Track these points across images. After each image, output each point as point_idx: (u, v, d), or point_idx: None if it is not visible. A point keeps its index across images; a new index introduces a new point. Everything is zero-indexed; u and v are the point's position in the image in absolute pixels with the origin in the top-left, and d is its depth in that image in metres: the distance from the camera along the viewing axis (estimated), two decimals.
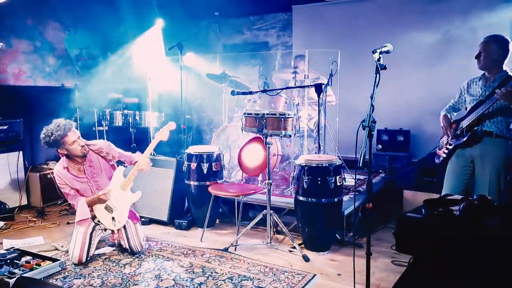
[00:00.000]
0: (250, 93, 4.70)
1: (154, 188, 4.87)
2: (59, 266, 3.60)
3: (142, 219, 4.57)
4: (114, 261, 3.85)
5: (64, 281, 3.43)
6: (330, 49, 5.41)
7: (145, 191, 4.04)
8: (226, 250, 4.06)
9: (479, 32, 5.25)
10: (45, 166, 5.88)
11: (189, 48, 6.44)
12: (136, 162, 4.05)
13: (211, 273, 3.57)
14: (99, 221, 3.92)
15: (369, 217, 2.73)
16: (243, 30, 8.16)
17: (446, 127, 3.78)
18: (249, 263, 3.76)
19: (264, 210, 4.12)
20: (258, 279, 3.45)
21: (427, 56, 6.26)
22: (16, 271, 3.40)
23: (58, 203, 5.69)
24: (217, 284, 3.36)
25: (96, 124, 6.10)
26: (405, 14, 6.41)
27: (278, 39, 7.84)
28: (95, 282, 3.42)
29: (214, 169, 4.70)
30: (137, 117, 6.09)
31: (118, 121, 6.04)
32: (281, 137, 4.30)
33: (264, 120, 4.00)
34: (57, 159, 6.07)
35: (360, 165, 2.49)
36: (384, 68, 2.68)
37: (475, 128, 3.50)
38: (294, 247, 4.03)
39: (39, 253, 3.85)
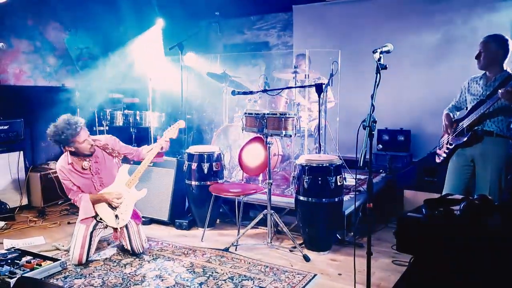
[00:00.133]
0: (251, 93, 4.70)
1: (155, 188, 4.87)
2: (60, 266, 3.60)
3: (143, 219, 4.56)
4: (115, 261, 3.85)
5: (65, 281, 3.43)
6: (330, 49, 5.41)
7: (146, 189, 4.03)
8: (226, 250, 4.06)
9: (480, 31, 5.25)
10: (46, 166, 5.88)
11: (190, 48, 6.44)
12: (145, 156, 4.07)
13: (212, 273, 3.57)
14: (101, 219, 3.87)
15: (370, 217, 2.73)
16: (243, 30, 8.16)
17: (447, 126, 3.77)
18: (249, 263, 3.76)
19: (265, 210, 4.12)
20: (259, 279, 3.45)
21: (427, 56, 6.26)
22: (16, 271, 3.40)
23: (59, 203, 5.69)
24: (217, 284, 3.36)
25: (97, 124, 6.10)
26: (405, 14, 6.41)
27: (278, 39, 7.85)
28: (96, 282, 3.42)
29: (214, 169, 4.70)
30: (137, 117, 6.10)
31: (119, 121, 6.04)
32: (282, 137, 4.30)
33: (265, 120, 4.00)
34: (57, 159, 6.08)
35: (361, 165, 2.49)
36: (385, 68, 2.68)
37: (476, 127, 3.50)
38: (295, 247, 4.03)
39: (40, 253, 3.85)
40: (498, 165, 3.44)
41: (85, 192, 3.88)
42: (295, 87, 4.98)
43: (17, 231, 4.73)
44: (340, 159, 4.18)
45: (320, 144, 4.62)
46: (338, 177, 3.98)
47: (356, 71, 6.18)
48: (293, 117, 4.02)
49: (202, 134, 7.21)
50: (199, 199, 4.68)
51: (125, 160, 4.19)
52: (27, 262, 3.57)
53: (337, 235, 4.24)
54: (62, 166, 3.85)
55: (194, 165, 4.66)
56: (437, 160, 3.90)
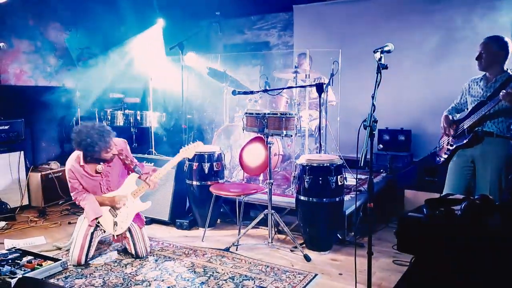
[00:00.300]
0: (251, 92, 4.70)
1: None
2: (61, 266, 3.60)
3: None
4: (116, 261, 3.85)
5: (65, 281, 3.43)
6: (331, 49, 5.41)
7: (146, 191, 4.03)
8: (227, 249, 4.06)
9: (480, 31, 5.24)
10: (46, 166, 5.89)
11: (190, 48, 6.44)
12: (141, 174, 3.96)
13: (213, 272, 3.57)
14: (99, 223, 3.87)
15: (370, 217, 2.73)
16: (244, 30, 8.16)
17: (446, 128, 3.78)
18: (250, 263, 3.76)
19: (266, 210, 4.12)
20: (260, 278, 3.45)
21: (428, 56, 6.26)
22: (17, 271, 3.40)
23: (60, 203, 5.69)
24: (218, 284, 3.36)
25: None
26: (406, 14, 6.40)
27: (279, 39, 7.84)
28: (97, 282, 3.42)
29: (215, 168, 4.70)
30: (138, 117, 6.10)
31: (119, 121, 6.04)
32: (282, 136, 4.30)
33: (265, 120, 4.00)
34: (58, 159, 6.11)
35: (361, 165, 2.49)
36: (385, 67, 2.67)
37: (476, 128, 3.50)
38: (296, 247, 4.03)
39: (41, 253, 3.85)
40: (498, 165, 3.44)
41: (90, 193, 3.84)
42: (296, 87, 4.98)
43: (17, 231, 4.74)
44: (341, 159, 4.19)
45: (320, 144, 4.62)
46: (338, 177, 3.98)
47: (357, 71, 6.18)
48: (293, 117, 4.02)
49: (203, 134, 7.21)
50: (199, 199, 4.68)
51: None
52: (28, 262, 3.57)
53: (338, 235, 4.25)
54: (72, 166, 3.76)
55: (194, 165, 4.65)
56: (438, 161, 3.90)
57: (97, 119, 6.10)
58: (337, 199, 4.00)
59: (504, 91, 3.20)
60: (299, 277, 3.48)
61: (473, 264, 2.27)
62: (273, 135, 4.10)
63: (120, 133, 6.04)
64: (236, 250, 4.08)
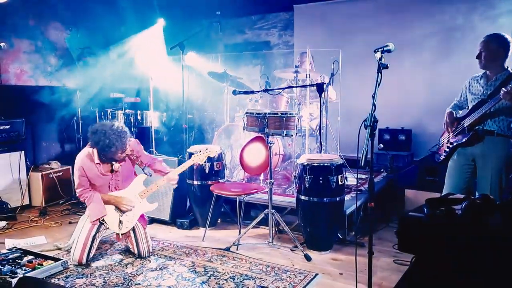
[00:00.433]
0: (252, 92, 4.70)
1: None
2: (61, 265, 3.60)
3: None
4: (116, 261, 3.85)
5: (66, 281, 3.43)
6: (331, 48, 5.41)
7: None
8: (228, 249, 4.06)
9: (481, 30, 5.24)
10: (47, 166, 5.89)
11: (191, 48, 6.44)
12: (156, 168, 4.02)
13: (213, 272, 3.57)
14: (104, 221, 3.84)
15: (371, 216, 2.73)
16: (244, 30, 8.16)
17: (448, 124, 3.76)
18: (251, 263, 3.76)
19: (266, 210, 4.12)
20: (260, 278, 3.45)
21: (429, 55, 6.26)
22: (18, 270, 3.40)
23: (60, 202, 5.70)
24: (219, 284, 3.36)
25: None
26: (406, 13, 6.40)
27: (279, 39, 7.84)
28: (97, 281, 3.42)
29: (216, 168, 4.70)
30: (138, 117, 6.11)
31: (120, 121, 6.04)
32: (283, 136, 4.30)
33: (266, 120, 4.00)
34: (58, 158, 6.11)
35: (362, 164, 2.49)
36: (386, 67, 2.67)
37: (477, 127, 3.49)
38: (296, 246, 4.03)
39: (41, 252, 3.85)
40: (498, 164, 3.44)
41: (96, 191, 3.81)
42: (296, 87, 4.98)
43: (18, 230, 4.74)
44: (341, 158, 4.18)
45: (321, 144, 4.62)
46: (339, 176, 3.97)
47: (357, 70, 6.18)
48: (294, 116, 4.02)
49: (203, 133, 7.22)
50: (200, 199, 4.68)
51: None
52: (28, 261, 3.57)
53: (339, 234, 4.24)
54: (84, 164, 3.71)
55: (195, 165, 4.65)
56: (437, 159, 3.89)
57: (97, 119, 6.11)
58: (337, 198, 4.00)
59: (504, 89, 3.19)
60: (300, 276, 3.48)
61: (474, 263, 2.27)
62: (274, 135, 4.10)
63: None
64: (237, 249, 4.08)
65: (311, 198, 3.97)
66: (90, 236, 3.76)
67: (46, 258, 3.68)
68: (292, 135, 4.11)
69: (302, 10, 7.41)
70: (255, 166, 4.61)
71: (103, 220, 3.82)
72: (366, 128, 2.56)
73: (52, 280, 3.43)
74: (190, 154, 4.71)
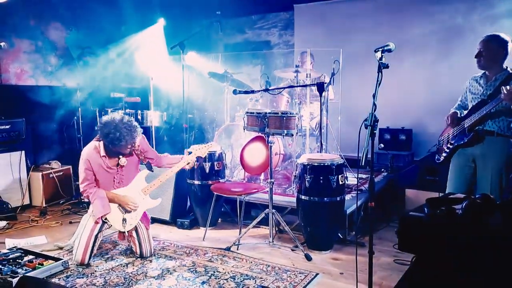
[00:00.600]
0: (252, 92, 4.70)
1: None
2: (62, 265, 3.60)
3: None
4: (117, 261, 3.85)
5: (67, 280, 3.44)
6: (332, 48, 5.41)
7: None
8: (228, 249, 4.06)
9: (481, 30, 5.25)
10: (47, 166, 5.89)
11: (191, 47, 6.44)
12: (163, 165, 4.05)
13: (214, 272, 3.57)
14: (106, 219, 3.79)
15: (371, 216, 2.72)
16: (244, 29, 8.16)
17: (450, 121, 3.73)
18: (251, 262, 3.76)
19: (266, 209, 4.12)
20: (261, 278, 3.45)
21: (429, 55, 6.27)
22: (19, 270, 3.41)
23: (60, 202, 5.70)
24: (219, 283, 3.36)
25: (98, 123, 6.09)
26: (407, 13, 6.41)
27: (279, 38, 7.84)
28: (98, 281, 3.43)
29: (216, 168, 4.70)
30: (139, 116, 6.10)
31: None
32: (283, 136, 4.30)
33: (266, 119, 4.00)
34: (59, 158, 6.11)
35: (362, 164, 2.49)
36: (386, 67, 2.67)
37: (477, 127, 3.49)
38: (297, 246, 4.03)
39: (42, 252, 3.85)
40: (499, 164, 3.43)
41: (100, 187, 3.77)
42: (297, 86, 4.98)
43: (18, 230, 4.74)
44: (342, 158, 4.18)
45: (321, 143, 4.62)
46: (339, 176, 3.97)
47: (358, 70, 6.18)
48: (294, 116, 4.02)
49: (204, 133, 7.22)
50: (200, 199, 4.68)
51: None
52: (29, 261, 3.57)
53: (339, 234, 4.24)
54: (90, 157, 3.69)
55: (195, 164, 4.65)
56: (437, 160, 3.89)
57: (97, 118, 6.10)
58: (338, 198, 4.00)
59: (504, 88, 3.17)
60: (300, 276, 3.48)
61: (474, 263, 2.27)
62: (274, 135, 4.10)
63: None
64: (237, 249, 4.08)
65: (311, 197, 3.97)
66: (92, 236, 3.74)
67: (47, 258, 3.68)
68: (292, 135, 4.11)
69: (302, 9, 7.41)
70: (256, 166, 4.61)
71: (105, 218, 3.78)
72: (366, 128, 2.56)
73: (53, 280, 3.43)
74: (190, 154, 4.72)
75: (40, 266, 3.50)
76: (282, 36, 7.81)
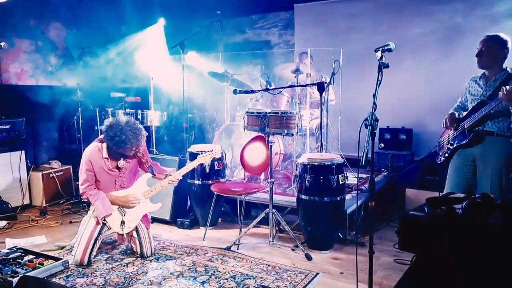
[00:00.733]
0: (252, 91, 4.70)
1: None
2: (62, 265, 3.60)
3: None
4: (117, 260, 3.85)
5: (67, 280, 3.44)
6: (332, 48, 5.41)
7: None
8: (228, 249, 4.06)
9: (481, 29, 5.24)
10: (47, 166, 5.89)
11: (191, 47, 6.44)
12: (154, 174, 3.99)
13: (214, 271, 3.57)
14: (105, 220, 3.80)
15: (372, 216, 2.72)
16: (245, 29, 8.16)
17: (448, 123, 3.73)
18: (251, 262, 3.76)
19: (267, 209, 4.12)
20: (261, 277, 3.45)
21: (429, 54, 6.27)
22: (19, 270, 3.41)
23: (61, 202, 5.70)
24: (219, 283, 3.36)
25: (98, 123, 6.10)
26: (407, 13, 6.41)
27: (280, 38, 7.84)
28: (98, 281, 3.43)
29: (216, 168, 4.70)
30: (139, 116, 6.10)
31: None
32: (284, 135, 4.30)
33: (266, 119, 4.00)
34: (59, 158, 6.11)
35: (363, 164, 2.49)
36: (387, 66, 2.67)
37: (477, 128, 3.49)
38: (297, 246, 4.03)
39: (42, 252, 3.85)
40: (498, 164, 3.44)
41: (100, 189, 3.78)
42: (297, 86, 4.98)
43: (19, 230, 4.74)
44: (342, 157, 4.18)
45: (322, 143, 4.62)
46: (340, 175, 3.98)
47: (358, 70, 6.18)
48: (294, 116, 4.02)
49: (204, 133, 7.22)
50: (201, 198, 4.68)
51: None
52: (29, 261, 3.57)
53: (339, 233, 4.24)
54: (92, 158, 3.68)
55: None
56: (438, 161, 3.89)
57: (98, 118, 6.11)
58: (338, 198, 4.00)
59: (504, 88, 3.17)
60: (300, 276, 3.48)
61: (474, 262, 2.27)
62: (274, 134, 4.10)
63: None
64: (237, 249, 4.08)
65: (311, 197, 3.97)
66: (93, 238, 3.73)
67: (47, 257, 3.68)
68: (292, 135, 4.11)
69: (302, 9, 7.41)
70: (256, 166, 4.62)
71: (105, 220, 3.79)
72: (366, 127, 2.56)
73: (53, 280, 3.43)
74: (191, 154, 4.72)
75: (40, 265, 3.50)
76: (282, 36, 7.82)
